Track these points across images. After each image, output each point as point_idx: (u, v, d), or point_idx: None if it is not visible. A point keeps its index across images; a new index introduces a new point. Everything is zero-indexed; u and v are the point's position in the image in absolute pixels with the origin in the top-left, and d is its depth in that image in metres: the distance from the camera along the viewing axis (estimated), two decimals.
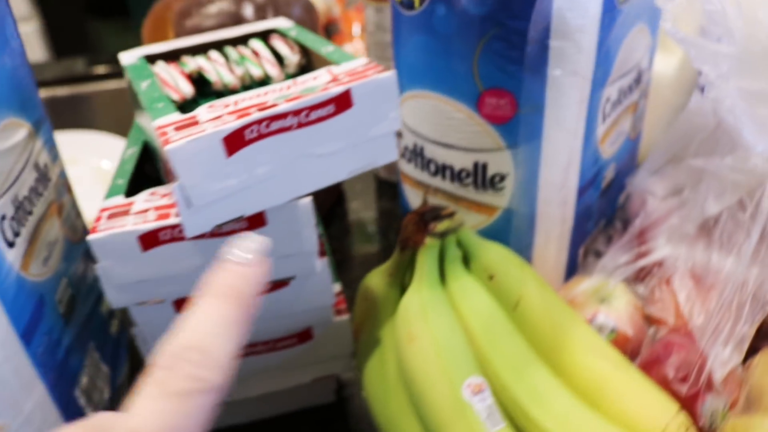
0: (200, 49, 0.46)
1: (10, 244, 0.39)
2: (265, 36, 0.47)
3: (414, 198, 0.52)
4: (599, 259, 0.52)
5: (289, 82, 0.37)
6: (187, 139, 0.32)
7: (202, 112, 0.34)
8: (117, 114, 1.04)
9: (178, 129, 0.33)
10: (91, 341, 0.49)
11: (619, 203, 0.59)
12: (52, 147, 0.48)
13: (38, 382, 0.40)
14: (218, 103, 0.35)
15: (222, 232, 0.37)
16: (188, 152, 0.32)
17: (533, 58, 0.41)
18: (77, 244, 0.49)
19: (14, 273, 0.39)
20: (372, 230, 0.69)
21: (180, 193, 0.33)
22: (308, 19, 0.59)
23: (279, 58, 0.45)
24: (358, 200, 0.73)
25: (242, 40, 0.47)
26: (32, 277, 0.41)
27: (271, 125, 0.33)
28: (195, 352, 0.21)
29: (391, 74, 0.35)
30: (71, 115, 1.04)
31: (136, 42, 1.75)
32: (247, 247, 0.24)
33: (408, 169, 0.51)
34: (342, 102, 0.35)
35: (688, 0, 0.45)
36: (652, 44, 0.54)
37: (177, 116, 0.34)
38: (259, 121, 0.33)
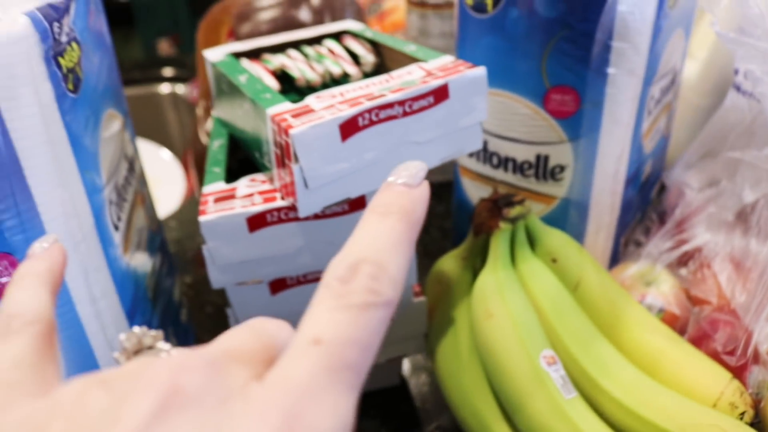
0: (279, 48, 0.49)
1: (116, 228, 0.42)
2: (337, 37, 0.51)
3: (473, 190, 0.55)
4: (641, 248, 0.55)
5: (386, 76, 0.40)
6: (309, 125, 0.35)
7: (313, 101, 0.37)
8: (139, 119, 1.06)
9: (295, 116, 0.36)
10: (170, 326, 0.51)
11: (653, 197, 0.63)
12: (134, 140, 0.50)
13: None
14: (324, 93, 0.38)
15: (324, 214, 0.40)
16: (309, 137, 0.35)
17: (597, 57, 0.45)
18: (156, 233, 0.52)
19: (120, 255, 0.42)
20: None
21: (299, 174, 0.36)
22: (359, 22, 0.62)
23: (353, 57, 0.48)
24: None
25: (316, 40, 0.50)
26: (131, 261, 0.44)
27: (380, 114, 0.36)
28: (371, 265, 0.20)
29: (482, 69, 0.39)
30: None
31: (140, 51, 1.76)
32: (411, 171, 0.24)
33: (469, 163, 0.54)
34: (440, 94, 0.38)
35: (731, 3, 0.49)
36: (685, 48, 0.58)
37: (289, 105, 0.37)
38: (370, 110, 0.36)
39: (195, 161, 0.66)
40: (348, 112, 0.36)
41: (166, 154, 0.85)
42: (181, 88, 1.00)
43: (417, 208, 0.22)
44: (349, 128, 0.36)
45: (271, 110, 0.37)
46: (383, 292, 0.20)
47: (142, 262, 0.46)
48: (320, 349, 0.18)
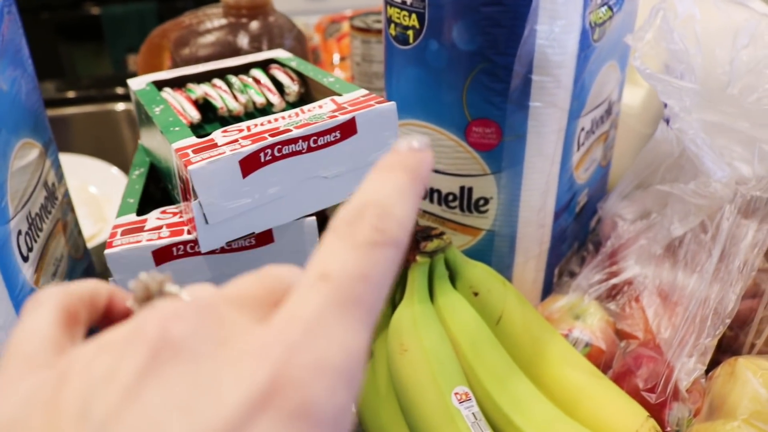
0: (204, 77, 0.49)
1: (25, 259, 0.41)
2: (264, 66, 0.50)
3: None
4: (573, 279, 0.55)
5: (297, 110, 0.39)
6: (208, 161, 0.34)
7: (218, 135, 0.37)
8: (94, 137, 1.05)
9: (197, 151, 0.35)
10: None
11: (591, 227, 0.63)
12: (58, 167, 0.50)
13: None
14: (232, 128, 0.38)
15: (231, 248, 0.39)
16: (208, 172, 0.34)
17: (517, 91, 0.45)
18: (79, 261, 0.51)
19: (28, 287, 0.41)
20: None
21: (198, 210, 0.35)
22: (299, 48, 0.62)
23: (278, 87, 0.48)
24: None
25: (243, 69, 0.50)
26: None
27: (283, 149, 0.36)
28: (377, 207, 0.19)
29: (391, 104, 0.39)
30: None
31: (109, 66, 1.75)
32: (413, 140, 0.23)
33: None
34: (347, 129, 0.38)
35: (655, 39, 0.49)
36: (621, 79, 0.58)
37: (194, 139, 0.37)
38: (272, 146, 0.36)
39: None
40: (249, 148, 0.35)
41: (116, 171, 0.84)
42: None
43: (422, 167, 0.22)
44: (250, 164, 0.36)
45: (176, 144, 0.37)
46: (390, 231, 0.19)
47: None
48: (328, 284, 0.18)
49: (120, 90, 1.03)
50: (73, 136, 1.09)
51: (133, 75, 0.51)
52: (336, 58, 0.97)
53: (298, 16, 0.97)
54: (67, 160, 0.86)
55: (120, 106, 1.02)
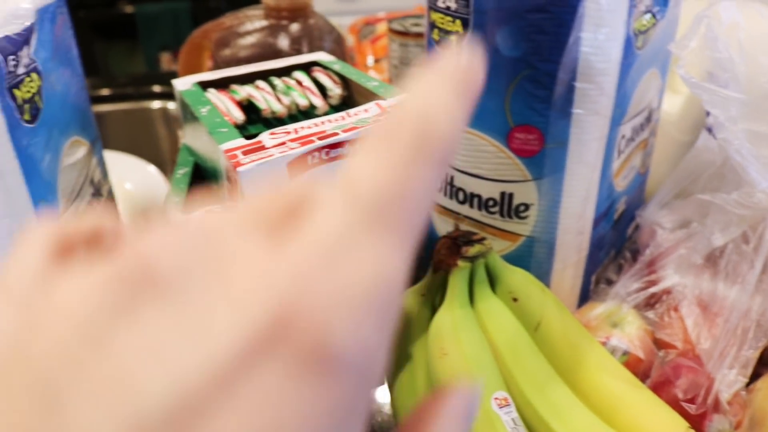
0: (247, 79, 0.49)
1: None
2: (307, 68, 0.51)
3: (441, 225, 0.55)
4: (610, 287, 0.55)
5: (343, 113, 0.40)
6: (256, 162, 0.35)
7: (266, 138, 0.38)
8: (129, 135, 1.06)
9: (245, 153, 0.36)
10: None
11: (629, 234, 0.62)
12: (103, 165, 0.51)
13: None
14: (279, 130, 0.38)
15: None
16: (256, 174, 0.35)
17: (560, 98, 0.45)
18: None
19: None
20: None
21: None
22: (339, 50, 0.62)
23: (321, 89, 0.49)
24: None
25: (286, 71, 0.50)
26: None
27: (330, 152, 0.37)
28: (421, 120, 0.17)
29: None
30: None
31: (142, 64, 1.78)
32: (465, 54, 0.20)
33: (436, 197, 0.54)
34: None
35: (699, 47, 0.49)
36: (662, 86, 0.58)
37: (242, 141, 0.37)
38: (320, 149, 0.36)
39: None
40: (297, 150, 0.36)
41: (153, 169, 0.85)
42: (171, 104, 1.01)
43: (474, 83, 0.19)
44: (298, 166, 0.36)
45: (225, 146, 0.37)
46: (433, 148, 0.16)
47: None
48: (357, 201, 0.15)
49: (156, 88, 1.04)
50: (109, 133, 1.11)
51: (167, 73, 0.52)
52: (370, 60, 0.97)
53: (331, 17, 0.98)
54: (106, 156, 0.88)
55: (156, 104, 1.03)
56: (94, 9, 1.74)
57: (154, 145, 1.02)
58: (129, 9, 1.78)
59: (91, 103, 1.14)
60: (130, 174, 0.84)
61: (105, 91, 1.12)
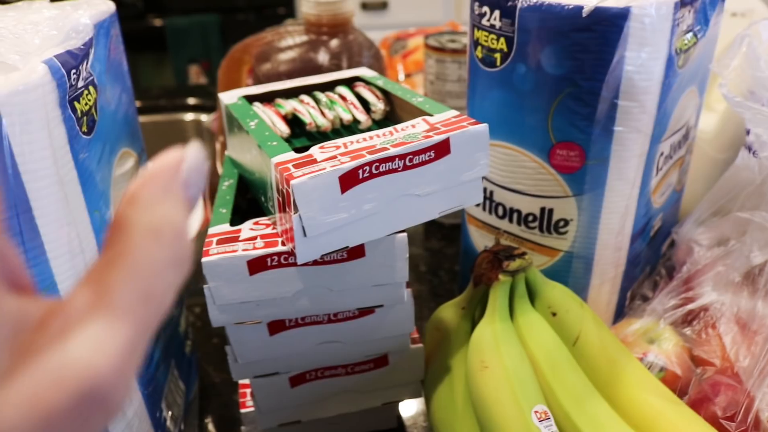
0: (291, 93, 0.50)
1: None
2: (349, 83, 0.52)
3: (479, 239, 0.56)
4: (647, 303, 0.55)
5: (390, 128, 0.41)
6: (309, 176, 0.36)
7: (316, 151, 0.38)
8: (163, 146, 1.08)
9: (297, 166, 0.37)
10: (172, 359, 0.52)
11: (663, 251, 0.62)
12: None
13: (137, 392, 0.44)
14: (329, 144, 0.39)
15: (324, 261, 0.40)
16: (309, 187, 0.36)
17: (603, 115, 0.45)
18: None
19: None
20: (423, 269, 0.72)
21: (298, 223, 0.36)
22: (377, 65, 0.63)
23: (364, 104, 0.49)
24: (409, 240, 0.76)
25: (329, 86, 0.51)
26: None
27: (380, 167, 0.37)
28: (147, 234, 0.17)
29: (484, 126, 0.40)
30: None
31: (171, 77, 1.80)
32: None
33: (475, 212, 0.55)
34: (441, 149, 0.39)
35: (740, 66, 0.49)
36: (700, 104, 0.58)
37: (293, 154, 0.38)
38: (370, 163, 0.37)
39: (210, 193, 0.67)
40: (348, 164, 0.36)
41: None
42: (204, 117, 1.03)
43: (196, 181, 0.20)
44: (349, 180, 0.37)
45: (276, 159, 0.38)
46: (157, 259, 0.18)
47: None
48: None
49: (190, 100, 1.06)
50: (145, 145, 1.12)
51: (197, 86, 0.53)
52: (401, 75, 0.98)
53: (365, 32, 0.99)
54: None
55: (188, 117, 1.04)
56: (123, 22, 1.77)
57: None
58: (158, 22, 1.81)
59: None
60: None
61: (137, 103, 1.13)
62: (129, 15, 1.83)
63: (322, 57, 0.62)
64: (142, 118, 1.13)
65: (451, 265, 0.72)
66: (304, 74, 0.55)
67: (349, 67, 0.61)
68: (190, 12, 1.82)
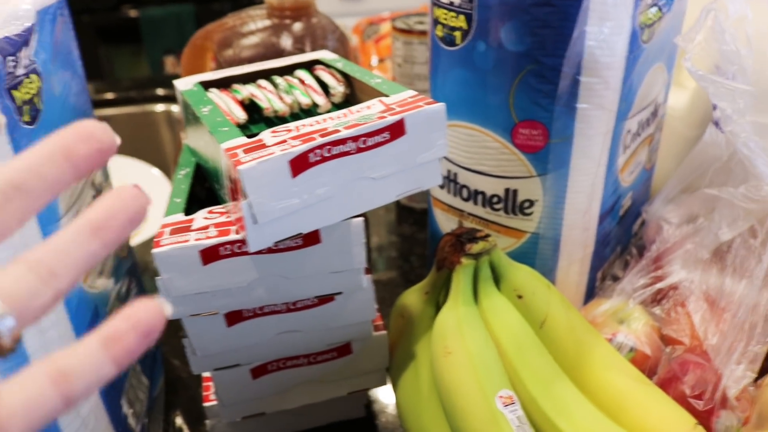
0: (249, 78, 0.49)
1: None
2: (309, 67, 0.51)
3: (445, 222, 0.55)
4: (616, 283, 0.55)
5: (345, 110, 0.39)
6: (258, 161, 0.34)
7: (267, 136, 0.37)
8: (133, 138, 1.06)
9: (247, 151, 0.36)
10: None
11: (635, 230, 0.62)
12: (104, 167, 0.50)
13: None
14: (280, 128, 0.38)
15: (279, 248, 0.39)
16: (258, 172, 0.35)
17: (565, 92, 0.44)
18: (124, 259, 0.52)
19: (77, 286, 0.41)
20: (394, 254, 0.71)
21: (247, 210, 0.35)
22: (342, 49, 0.62)
23: (324, 88, 0.48)
24: (380, 225, 0.76)
25: (288, 70, 0.50)
26: (89, 289, 0.43)
27: (332, 150, 0.36)
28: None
29: (440, 105, 0.39)
30: None
31: (147, 68, 1.79)
32: None
33: (440, 194, 0.54)
34: (396, 130, 0.38)
35: (706, 40, 0.48)
36: (668, 80, 0.57)
37: (243, 140, 0.37)
38: (322, 146, 0.36)
39: None
40: (299, 148, 0.35)
41: (156, 172, 0.85)
42: (175, 108, 1.01)
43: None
44: (300, 164, 0.36)
45: (225, 144, 0.37)
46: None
47: (104, 288, 0.46)
48: None
49: (160, 91, 1.04)
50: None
51: (171, 76, 0.52)
52: (374, 60, 0.97)
53: (337, 18, 0.97)
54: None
55: (159, 108, 1.03)
56: (98, 13, 1.75)
57: (157, 148, 1.02)
58: (133, 13, 1.79)
59: (95, 107, 1.14)
60: (134, 177, 0.84)
61: (109, 95, 1.12)
62: (103, 6, 1.80)
63: (286, 41, 0.60)
64: (113, 110, 1.12)
65: (423, 250, 0.71)
66: (267, 59, 0.53)
67: (313, 50, 0.60)
68: (165, 2, 1.79)
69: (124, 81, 1.13)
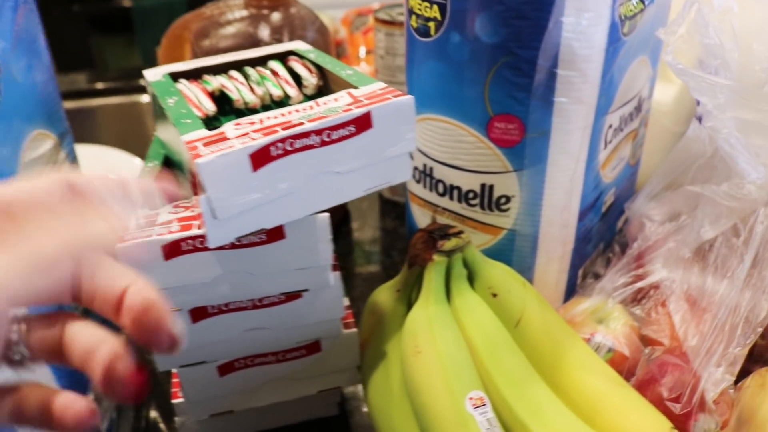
0: (221, 69, 0.48)
1: None
2: (282, 57, 0.49)
3: (421, 217, 0.54)
4: (597, 282, 0.53)
5: (311, 102, 0.38)
6: (217, 154, 0.33)
7: (229, 128, 0.36)
8: (119, 128, 1.05)
9: (206, 144, 0.35)
10: None
11: (618, 227, 0.61)
12: (73, 159, 0.49)
13: (55, 385, 0.42)
14: (244, 120, 0.37)
15: (241, 243, 0.38)
16: (217, 166, 0.33)
17: (541, 85, 0.43)
18: None
19: None
20: (375, 248, 0.70)
21: (206, 205, 0.34)
22: (322, 40, 0.61)
23: (297, 79, 0.47)
24: (362, 219, 0.75)
25: (261, 60, 0.49)
26: None
27: (295, 143, 0.35)
28: None
29: (409, 98, 0.37)
30: (74, 129, 1.06)
31: (139, 58, 1.77)
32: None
33: (416, 189, 0.53)
34: (362, 123, 0.37)
35: (688, 33, 0.47)
36: (653, 75, 0.56)
37: (205, 132, 0.36)
38: (284, 139, 0.35)
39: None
40: (259, 141, 0.34)
41: (140, 162, 0.84)
42: None
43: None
44: (261, 158, 0.35)
45: (186, 137, 0.36)
46: None
47: None
48: None
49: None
50: (100, 127, 1.09)
51: (152, 67, 0.50)
52: (362, 51, 0.96)
53: (325, 9, 0.96)
54: (92, 150, 0.87)
55: (145, 98, 1.02)
56: (89, 3, 1.73)
57: (144, 138, 1.01)
58: (125, 3, 1.77)
59: (85, 97, 1.13)
60: (117, 168, 0.83)
61: (99, 85, 1.11)
62: None
63: (263, 32, 0.59)
64: (101, 101, 1.10)
65: (404, 245, 0.70)
66: (245, 49, 0.52)
67: (292, 41, 0.59)
68: None
69: (113, 71, 1.11)
